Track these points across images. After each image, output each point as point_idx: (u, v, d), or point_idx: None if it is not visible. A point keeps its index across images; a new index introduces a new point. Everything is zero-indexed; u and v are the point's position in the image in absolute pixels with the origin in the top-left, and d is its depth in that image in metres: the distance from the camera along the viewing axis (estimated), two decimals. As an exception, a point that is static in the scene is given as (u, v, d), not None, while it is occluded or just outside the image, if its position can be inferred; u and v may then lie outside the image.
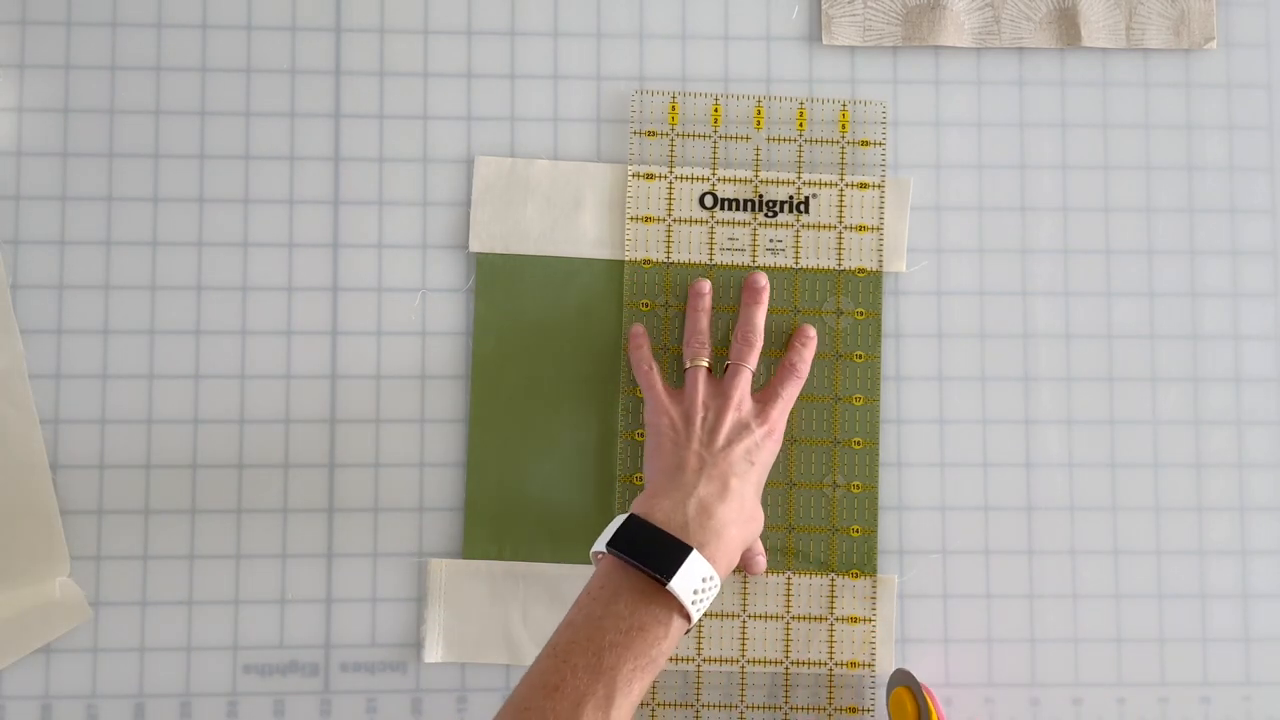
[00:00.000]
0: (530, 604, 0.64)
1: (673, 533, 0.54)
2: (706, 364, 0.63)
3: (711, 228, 0.66)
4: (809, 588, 0.65)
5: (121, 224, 0.65)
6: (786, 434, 0.65)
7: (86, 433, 0.64)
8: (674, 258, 0.66)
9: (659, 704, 0.64)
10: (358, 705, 0.64)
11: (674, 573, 0.52)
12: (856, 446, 0.66)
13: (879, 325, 0.66)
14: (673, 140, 0.66)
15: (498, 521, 0.65)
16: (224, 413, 0.64)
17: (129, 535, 0.64)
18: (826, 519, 0.65)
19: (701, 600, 0.53)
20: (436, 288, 0.66)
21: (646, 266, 0.66)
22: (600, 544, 0.55)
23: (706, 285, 0.65)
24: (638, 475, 0.65)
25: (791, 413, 0.65)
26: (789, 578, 0.65)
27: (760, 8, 0.68)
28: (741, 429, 0.60)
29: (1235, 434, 0.67)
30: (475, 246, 0.66)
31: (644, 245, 0.66)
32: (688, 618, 0.53)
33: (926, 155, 0.67)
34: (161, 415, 0.64)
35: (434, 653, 0.64)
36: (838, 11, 0.67)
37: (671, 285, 0.66)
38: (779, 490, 0.65)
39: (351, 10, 0.67)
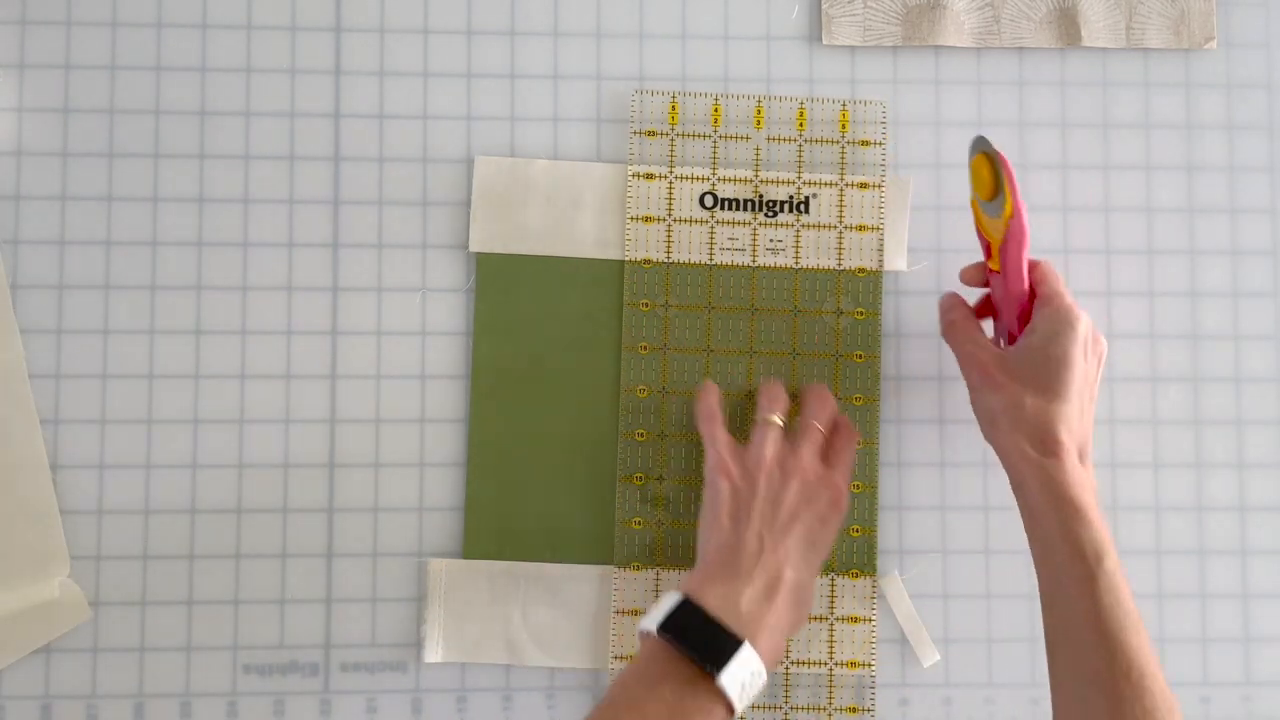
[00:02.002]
0: (530, 604, 0.64)
1: (725, 622, 0.53)
2: (780, 420, 0.61)
3: (711, 228, 0.66)
4: (809, 588, 0.65)
5: (121, 224, 0.65)
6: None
7: (86, 433, 0.64)
8: (674, 258, 0.66)
9: (659, 704, 0.64)
10: (358, 705, 0.64)
11: (724, 665, 0.51)
12: (856, 446, 0.66)
13: (879, 325, 0.66)
14: (673, 140, 0.66)
15: (498, 521, 0.65)
16: (224, 413, 0.64)
17: (129, 535, 0.64)
18: (826, 519, 0.65)
19: (747, 694, 0.52)
20: (436, 288, 0.66)
21: (646, 266, 0.66)
22: (649, 624, 0.53)
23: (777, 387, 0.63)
24: (638, 475, 0.65)
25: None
26: (789, 578, 0.65)
27: (760, 8, 0.68)
28: (807, 502, 0.58)
29: (1235, 434, 0.67)
30: (475, 246, 0.65)
31: (644, 245, 0.66)
32: (731, 710, 0.52)
33: (926, 155, 0.67)
34: (161, 415, 0.64)
35: (434, 653, 0.64)
36: (838, 11, 0.67)
37: (671, 285, 0.66)
38: (779, 490, 0.65)
39: (351, 10, 0.66)
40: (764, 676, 0.53)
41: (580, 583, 0.64)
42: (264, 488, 0.64)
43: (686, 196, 0.66)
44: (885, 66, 0.68)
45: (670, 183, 0.66)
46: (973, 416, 0.67)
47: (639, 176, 0.66)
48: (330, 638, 0.64)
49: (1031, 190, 0.67)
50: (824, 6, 0.67)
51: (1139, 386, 0.67)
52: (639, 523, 0.65)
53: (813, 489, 0.58)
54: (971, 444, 0.66)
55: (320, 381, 0.65)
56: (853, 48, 0.68)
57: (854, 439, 0.62)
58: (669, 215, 0.66)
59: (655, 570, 0.65)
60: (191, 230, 0.65)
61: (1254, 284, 0.68)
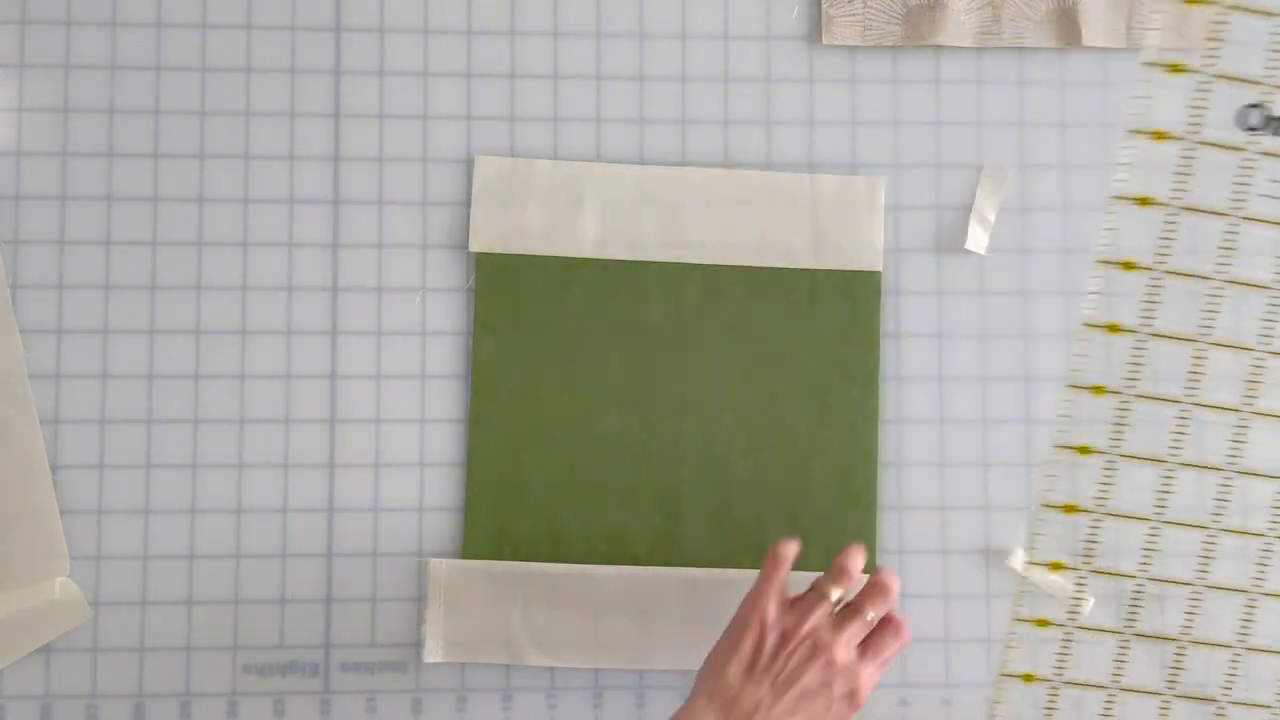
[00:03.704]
0: (530, 604, 0.64)
1: None
2: (834, 597, 0.59)
3: (1251, 159, 0.48)
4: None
5: (121, 224, 0.65)
6: (786, 435, 0.65)
7: (86, 433, 0.64)
8: (1189, 196, 0.47)
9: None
10: (358, 705, 0.64)
11: None
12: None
13: (875, 325, 0.66)
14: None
15: (498, 522, 0.65)
16: (224, 413, 0.64)
17: (129, 535, 0.64)
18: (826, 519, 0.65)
19: None
20: (436, 287, 0.66)
21: (1144, 206, 0.51)
22: None
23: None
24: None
25: (793, 411, 0.65)
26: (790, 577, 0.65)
27: (760, 7, 0.68)
28: (824, 686, 0.57)
29: (1236, 434, 0.67)
30: (475, 246, 0.65)
31: (1147, 179, 0.50)
32: None
33: (925, 155, 0.67)
34: (161, 415, 0.64)
35: (434, 653, 0.64)
36: (838, 11, 0.67)
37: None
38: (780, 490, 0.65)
39: (351, 10, 0.66)
40: None
41: (580, 584, 0.64)
42: (264, 488, 0.64)
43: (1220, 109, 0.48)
44: (885, 66, 0.68)
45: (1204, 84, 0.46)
46: (972, 416, 0.67)
47: (1159, 67, 0.50)
48: (330, 638, 0.64)
49: (1031, 190, 0.67)
50: (824, 6, 0.67)
51: (1140, 386, 0.67)
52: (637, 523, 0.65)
53: (834, 675, 0.57)
54: (971, 443, 0.66)
55: (320, 381, 0.65)
56: (853, 48, 0.68)
57: (901, 638, 0.59)
58: (1190, 133, 0.50)
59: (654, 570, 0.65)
60: (191, 230, 0.65)
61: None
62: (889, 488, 0.66)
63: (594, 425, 0.65)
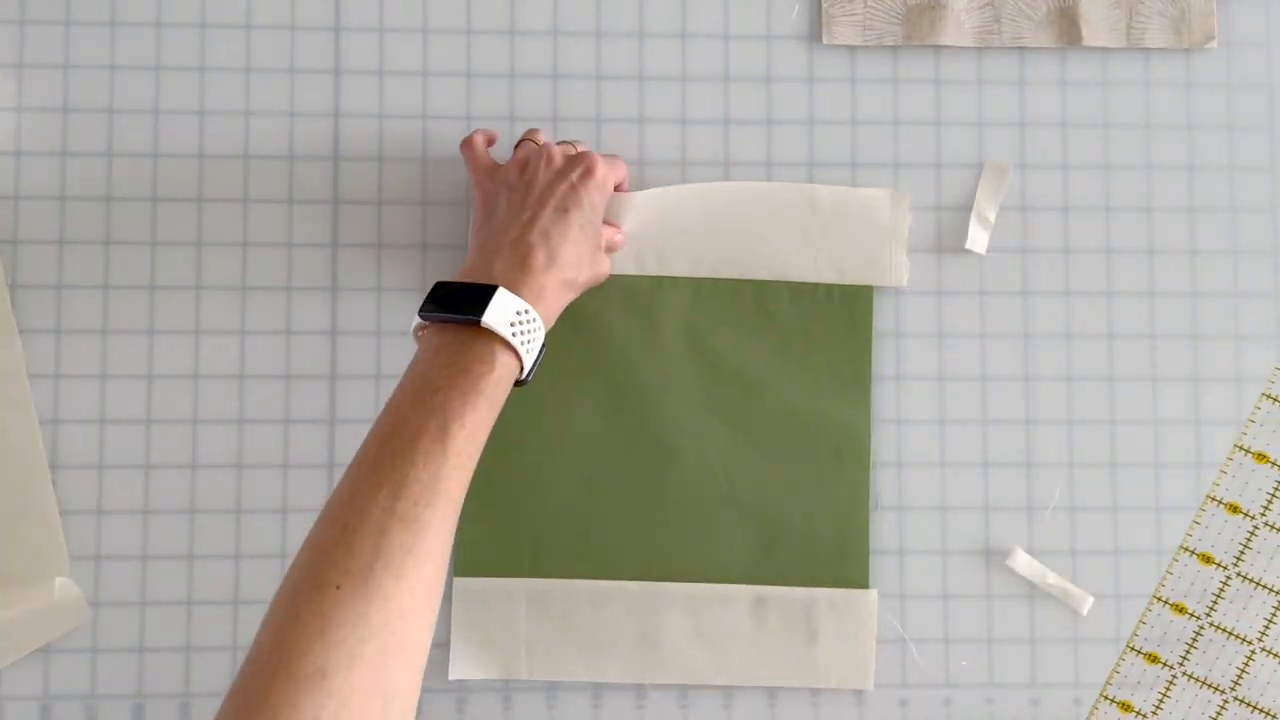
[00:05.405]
0: (534, 618, 0.64)
1: (477, 281, 0.55)
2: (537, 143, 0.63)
3: None
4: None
5: (120, 224, 0.65)
6: (779, 438, 0.65)
7: (85, 433, 0.64)
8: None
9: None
10: (357, 705, 0.64)
11: (484, 309, 0.53)
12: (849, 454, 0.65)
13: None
14: None
15: (490, 536, 0.64)
16: (223, 413, 0.64)
17: (128, 535, 0.64)
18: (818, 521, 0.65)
19: (523, 332, 0.54)
20: (436, 288, 0.66)
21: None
22: (414, 323, 0.56)
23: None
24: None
25: (788, 423, 0.65)
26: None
27: (760, 7, 0.68)
28: (557, 176, 0.59)
29: (1235, 434, 0.67)
30: None
31: None
32: (515, 354, 0.54)
33: (927, 155, 0.67)
34: (160, 415, 0.64)
35: (460, 669, 0.63)
36: (838, 11, 0.67)
37: None
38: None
39: (350, 10, 0.66)
40: (535, 316, 0.54)
41: (583, 597, 0.64)
42: (264, 488, 0.64)
43: None
44: (886, 66, 0.68)
45: None
46: (972, 416, 0.67)
47: None
48: (330, 638, 0.64)
49: (1032, 190, 0.67)
50: (824, 6, 0.67)
51: (1139, 386, 0.67)
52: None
53: (559, 166, 0.60)
54: (971, 444, 0.66)
55: (320, 381, 0.65)
56: (853, 47, 0.68)
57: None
58: None
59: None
60: (191, 230, 0.65)
61: (1254, 284, 0.68)
62: (889, 488, 0.66)
63: (590, 437, 0.65)
